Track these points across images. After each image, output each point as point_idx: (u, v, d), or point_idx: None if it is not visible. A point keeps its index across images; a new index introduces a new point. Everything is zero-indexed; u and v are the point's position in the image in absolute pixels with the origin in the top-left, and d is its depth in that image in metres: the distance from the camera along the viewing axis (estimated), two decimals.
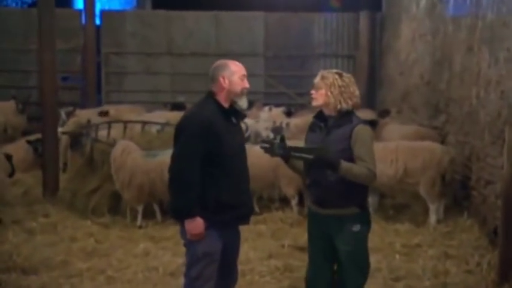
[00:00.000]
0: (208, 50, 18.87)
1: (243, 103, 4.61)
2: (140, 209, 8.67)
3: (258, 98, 17.70)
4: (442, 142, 9.99)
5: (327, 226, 4.61)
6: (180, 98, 17.04)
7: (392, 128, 11.17)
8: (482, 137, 8.40)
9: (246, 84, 4.59)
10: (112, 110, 14.92)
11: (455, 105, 9.93)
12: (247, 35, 19.14)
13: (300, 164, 4.70)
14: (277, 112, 14.33)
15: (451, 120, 10.16)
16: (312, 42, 19.14)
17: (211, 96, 4.58)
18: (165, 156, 6.97)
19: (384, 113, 13.49)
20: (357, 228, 4.54)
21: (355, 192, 4.54)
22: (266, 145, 4.47)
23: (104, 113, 14.18)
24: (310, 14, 19.17)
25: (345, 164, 4.38)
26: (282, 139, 4.47)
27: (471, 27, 9.25)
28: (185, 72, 18.92)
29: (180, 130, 4.49)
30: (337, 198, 4.52)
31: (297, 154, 4.43)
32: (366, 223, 4.64)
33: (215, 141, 4.40)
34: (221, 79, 4.53)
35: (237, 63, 4.63)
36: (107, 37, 19.27)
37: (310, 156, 4.38)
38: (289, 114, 14.49)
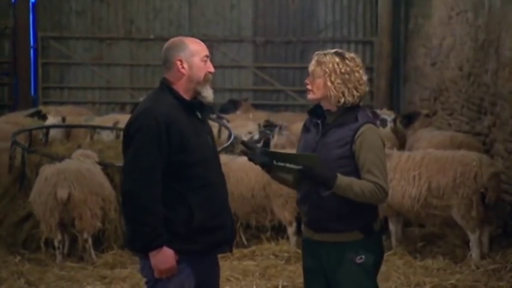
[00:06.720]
0: (179, 34, 18.81)
1: (207, 93, 4.60)
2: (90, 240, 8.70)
3: (245, 97, 17.59)
4: (487, 152, 10.03)
5: (322, 257, 4.56)
6: (143, 97, 17.01)
7: (421, 135, 11.23)
8: None
9: (211, 68, 4.60)
10: (52, 112, 14.86)
11: (505, 104, 9.97)
12: (231, 15, 19.03)
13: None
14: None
15: (499, 123, 10.21)
16: (316, 24, 19.17)
17: (166, 86, 4.58)
18: None
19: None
20: (361, 259, 4.50)
21: (358, 210, 4.48)
22: (246, 149, 4.48)
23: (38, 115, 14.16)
24: None
25: (343, 180, 4.37)
26: (266, 143, 4.48)
27: None
28: (148, 64, 18.90)
29: (130, 135, 4.46)
30: (334, 220, 4.48)
31: (280, 164, 4.41)
32: (374, 251, 4.58)
33: (178, 145, 4.39)
34: (178, 63, 4.53)
35: (198, 40, 4.63)
36: (44, 16, 19.20)
37: (296, 167, 4.36)
38: None
